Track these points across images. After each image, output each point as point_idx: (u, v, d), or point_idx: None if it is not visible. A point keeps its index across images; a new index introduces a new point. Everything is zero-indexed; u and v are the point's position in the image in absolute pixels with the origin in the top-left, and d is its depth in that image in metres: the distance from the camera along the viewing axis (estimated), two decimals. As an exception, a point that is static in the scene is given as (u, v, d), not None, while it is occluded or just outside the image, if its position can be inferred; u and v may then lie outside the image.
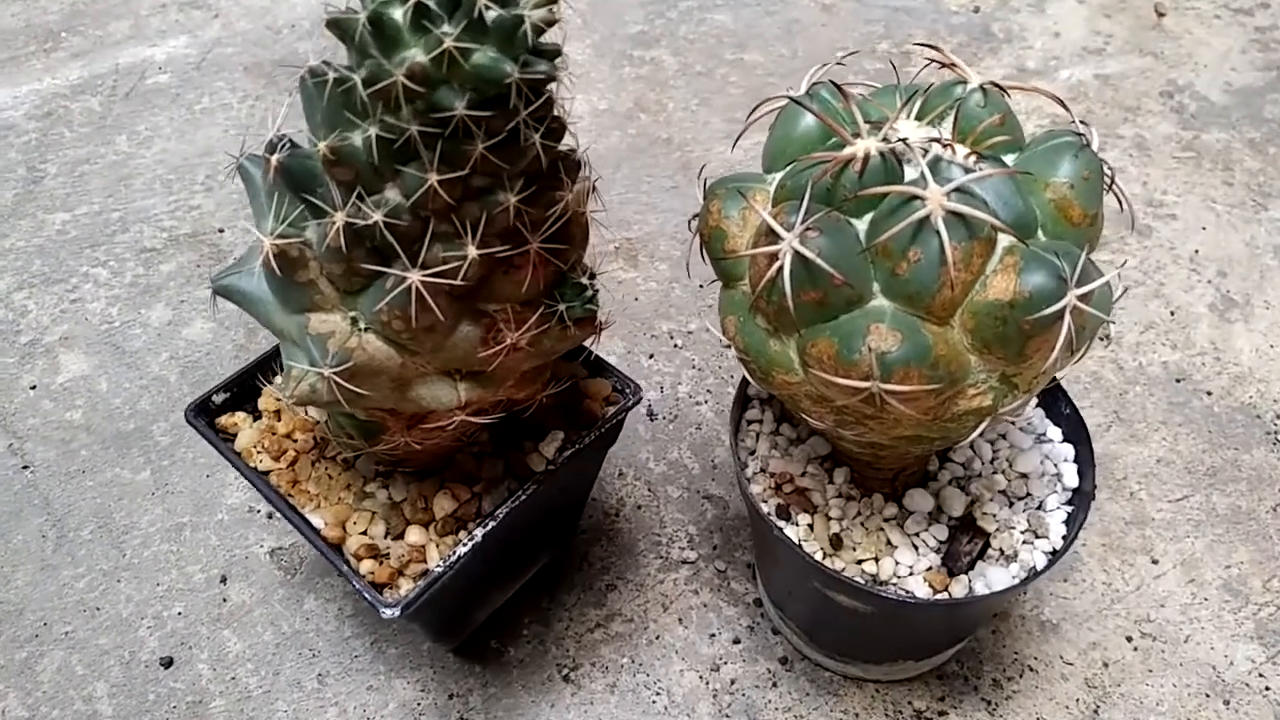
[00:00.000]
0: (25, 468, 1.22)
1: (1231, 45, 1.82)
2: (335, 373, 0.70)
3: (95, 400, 1.29)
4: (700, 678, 1.04)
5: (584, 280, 0.77)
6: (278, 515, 1.17)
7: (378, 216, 0.65)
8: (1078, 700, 1.02)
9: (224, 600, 1.11)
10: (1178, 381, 1.30)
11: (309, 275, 0.71)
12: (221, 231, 1.50)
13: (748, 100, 1.69)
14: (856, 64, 1.76)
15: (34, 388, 1.30)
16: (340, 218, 0.66)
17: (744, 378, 0.95)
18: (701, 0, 1.91)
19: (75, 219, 1.51)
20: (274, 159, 0.68)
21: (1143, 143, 1.63)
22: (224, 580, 1.12)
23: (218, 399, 0.95)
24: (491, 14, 0.60)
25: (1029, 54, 1.80)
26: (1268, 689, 1.03)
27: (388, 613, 0.80)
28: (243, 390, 0.96)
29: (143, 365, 1.33)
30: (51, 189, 1.56)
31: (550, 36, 0.63)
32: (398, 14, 0.61)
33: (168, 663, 1.06)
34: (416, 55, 0.60)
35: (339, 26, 0.62)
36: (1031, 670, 1.05)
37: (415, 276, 0.67)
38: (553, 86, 0.65)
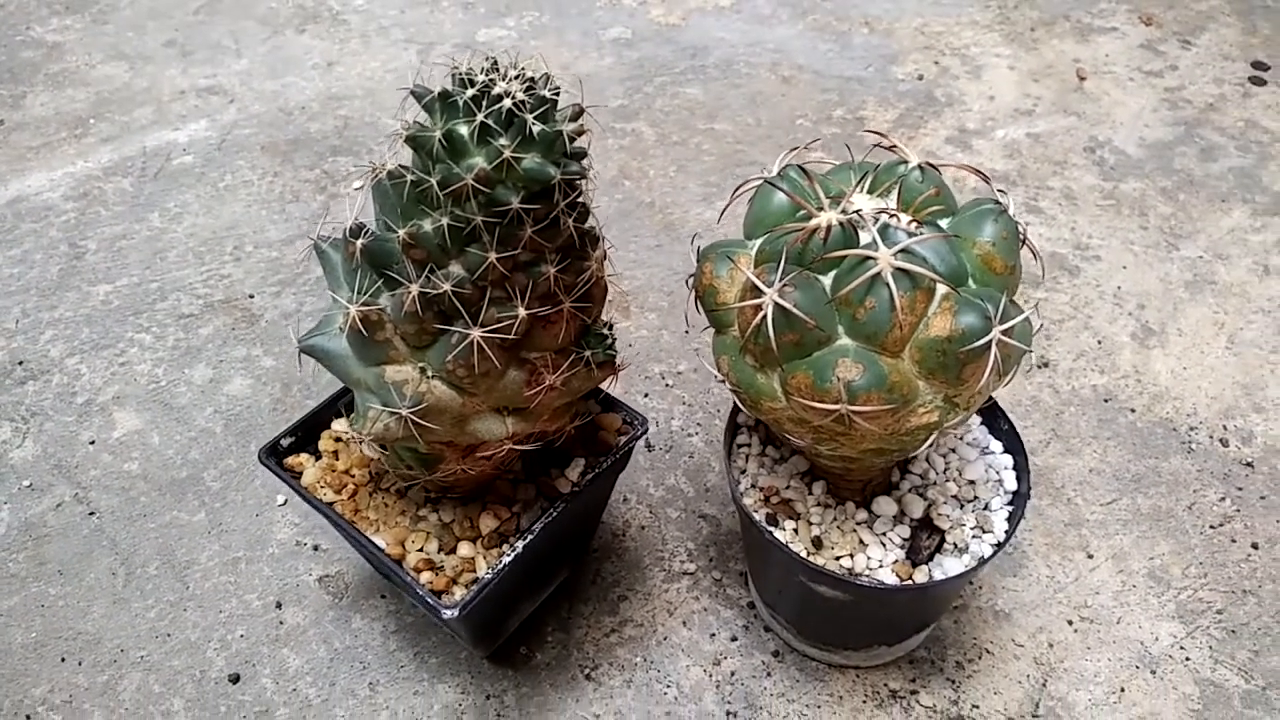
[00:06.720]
0: (92, 514, 1.36)
1: (1144, 104, 2.05)
2: (412, 413, 0.86)
3: (149, 452, 1.44)
4: (704, 671, 1.20)
5: (605, 331, 0.94)
6: (323, 546, 1.32)
7: (447, 287, 0.82)
8: (1028, 676, 1.19)
9: (280, 623, 1.25)
10: (1105, 401, 1.49)
11: (385, 335, 0.88)
12: (252, 297, 1.66)
13: (720, 166, 1.89)
14: (816, 130, 1.96)
15: (93, 443, 1.45)
16: (415, 289, 0.83)
17: (734, 408, 1.13)
18: (674, 76, 2.12)
19: (117, 290, 1.67)
20: (358, 243, 0.85)
21: (1070, 193, 1.84)
22: (279, 605, 1.27)
23: (285, 442, 1.11)
24: (537, 128, 0.78)
25: (968, 116, 2.02)
26: (1188, 659, 1.20)
27: (448, 613, 0.96)
28: (305, 435, 1.12)
29: (190, 420, 1.48)
30: (93, 263, 1.71)
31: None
32: (464, 130, 0.78)
33: (235, 679, 1.20)
34: (481, 162, 0.78)
35: (415, 141, 0.80)
36: (988, 652, 1.22)
37: (476, 333, 0.84)
38: (583, 182, 0.83)
